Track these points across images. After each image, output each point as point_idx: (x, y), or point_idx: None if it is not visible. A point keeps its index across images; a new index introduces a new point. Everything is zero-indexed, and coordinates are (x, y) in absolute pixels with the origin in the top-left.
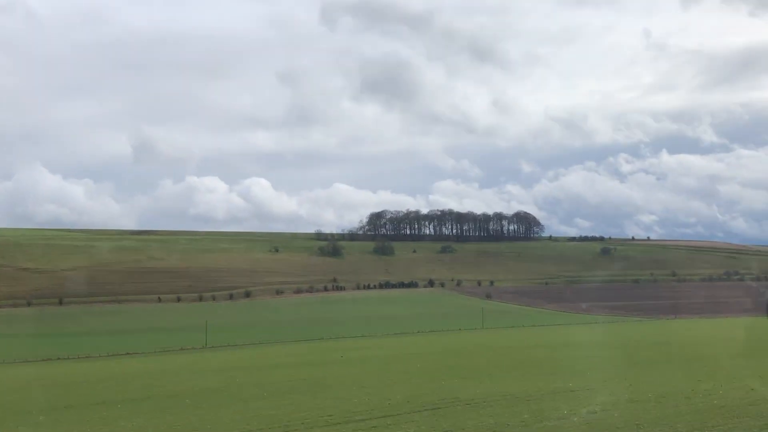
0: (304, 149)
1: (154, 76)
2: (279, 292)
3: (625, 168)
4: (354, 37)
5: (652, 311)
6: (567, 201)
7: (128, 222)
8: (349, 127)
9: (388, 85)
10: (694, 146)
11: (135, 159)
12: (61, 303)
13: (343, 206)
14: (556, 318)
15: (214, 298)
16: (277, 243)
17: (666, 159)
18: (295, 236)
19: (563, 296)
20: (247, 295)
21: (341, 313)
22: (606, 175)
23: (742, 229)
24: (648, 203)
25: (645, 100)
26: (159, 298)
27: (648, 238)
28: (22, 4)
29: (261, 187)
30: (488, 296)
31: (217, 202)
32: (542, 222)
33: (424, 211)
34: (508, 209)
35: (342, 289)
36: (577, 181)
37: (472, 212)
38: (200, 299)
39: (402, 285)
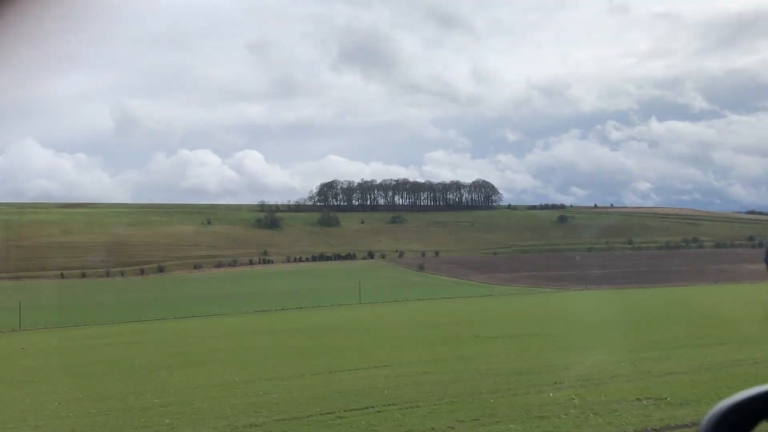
0: (292, 121)
1: (135, 48)
2: (197, 267)
3: (615, 135)
4: (318, 5)
5: (577, 281)
6: (561, 170)
7: (123, 196)
8: (334, 99)
9: (364, 54)
10: (683, 113)
11: (125, 132)
12: None
13: (337, 177)
14: (471, 290)
15: (122, 274)
16: (214, 215)
17: (655, 126)
18: (239, 208)
19: (501, 267)
20: (160, 269)
21: (241, 287)
22: (596, 142)
23: (740, 196)
24: (642, 170)
25: (630, 67)
26: (62, 274)
27: (611, 205)
28: None
29: (253, 159)
30: (421, 267)
31: (210, 175)
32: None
33: (378, 180)
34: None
35: (270, 262)
36: (568, 149)
37: (429, 181)
38: (107, 275)
39: (338, 257)
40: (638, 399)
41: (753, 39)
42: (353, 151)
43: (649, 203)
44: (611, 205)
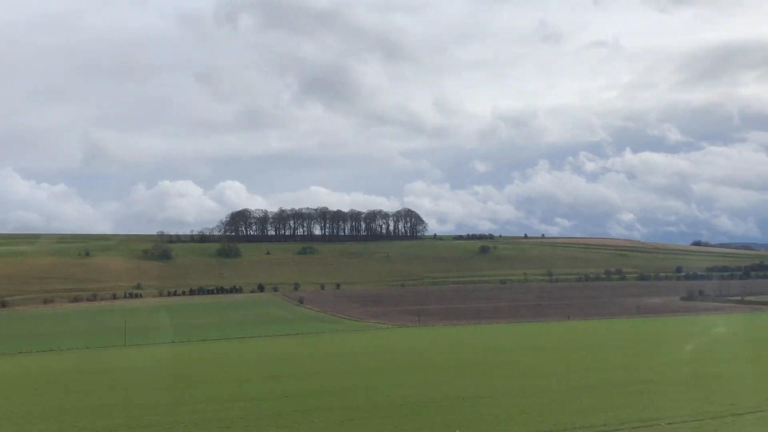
0: (270, 152)
1: (104, 80)
2: (48, 302)
3: (589, 167)
4: (263, 35)
5: (440, 316)
6: (543, 201)
7: (103, 226)
8: (304, 131)
9: (323, 84)
10: (659, 144)
11: (102, 163)
12: None
13: (321, 205)
14: (317, 326)
15: None
16: (107, 245)
17: (630, 158)
18: (139, 238)
19: (385, 301)
20: (3, 305)
21: (66, 325)
22: (576, 173)
23: (727, 228)
24: (624, 202)
25: (599, 98)
26: None
27: (542, 236)
28: None
29: (234, 189)
30: (300, 301)
31: (190, 206)
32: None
33: (304, 209)
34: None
35: (137, 296)
36: (547, 181)
37: (353, 210)
38: None
39: (222, 291)
40: None
41: (734, 71)
42: (335, 181)
43: (636, 235)
44: (542, 235)
